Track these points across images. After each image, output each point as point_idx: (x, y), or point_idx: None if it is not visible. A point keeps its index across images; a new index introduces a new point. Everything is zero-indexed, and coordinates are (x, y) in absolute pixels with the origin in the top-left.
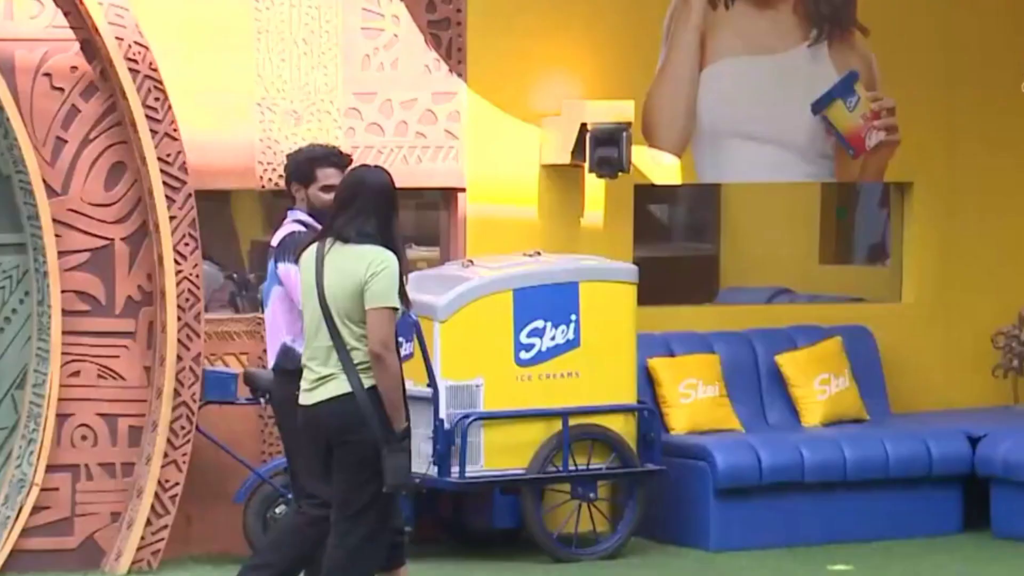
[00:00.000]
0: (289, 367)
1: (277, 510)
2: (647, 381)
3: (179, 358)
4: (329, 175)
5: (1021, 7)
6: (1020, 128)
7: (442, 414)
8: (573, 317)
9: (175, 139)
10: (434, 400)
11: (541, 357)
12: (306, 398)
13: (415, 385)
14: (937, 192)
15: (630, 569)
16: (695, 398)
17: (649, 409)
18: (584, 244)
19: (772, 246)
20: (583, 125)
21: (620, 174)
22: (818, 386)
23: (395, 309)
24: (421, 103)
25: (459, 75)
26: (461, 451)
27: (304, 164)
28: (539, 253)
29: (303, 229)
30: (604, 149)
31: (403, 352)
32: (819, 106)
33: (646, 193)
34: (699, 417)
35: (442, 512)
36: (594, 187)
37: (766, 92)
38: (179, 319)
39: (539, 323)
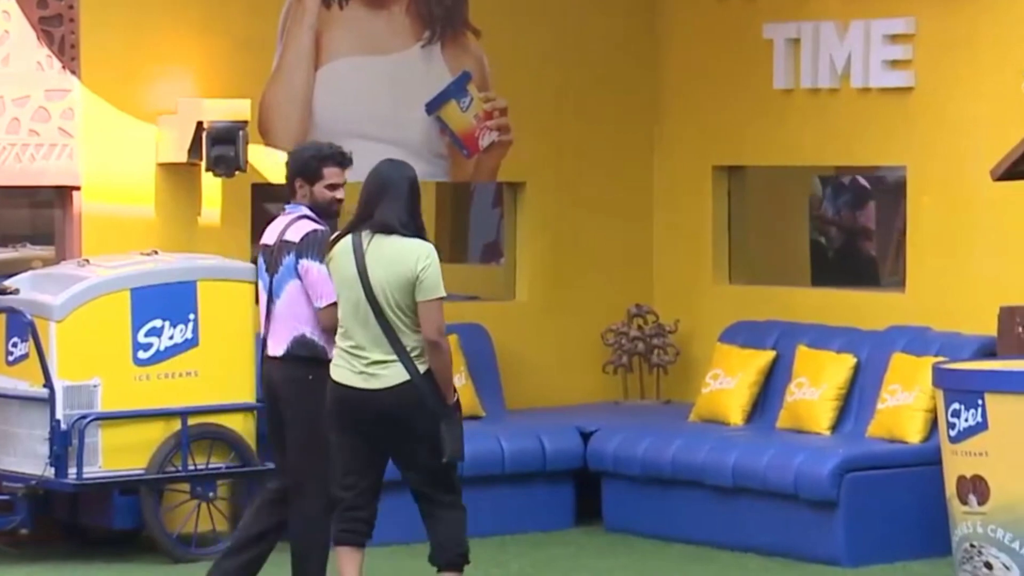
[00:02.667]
0: (304, 354)
1: None
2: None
3: None
4: (334, 174)
5: (632, 14)
6: (628, 130)
7: (58, 415)
8: (191, 316)
9: None
10: (50, 401)
11: (159, 356)
12: (359, 381)
13: (31, 386)
14: (549, 192)
15: None
16: None
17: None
18: (202, 243)
19: None
20: (199, 123)
21: (237, 173)
22: None
23: (443, 298)
24: (34, 100)
25: (73, 72)
26: (78, 452)
27: (312, 161)
28: (156, 252)
29: (321, 227)
30: (220, 148)
31: (18, 352)
32: (433, 106)
33: (264, 192)
34: None
35: (59, 514)
36: (211, 186)
37: (381, 92)
38: None
39: (157, 322)
